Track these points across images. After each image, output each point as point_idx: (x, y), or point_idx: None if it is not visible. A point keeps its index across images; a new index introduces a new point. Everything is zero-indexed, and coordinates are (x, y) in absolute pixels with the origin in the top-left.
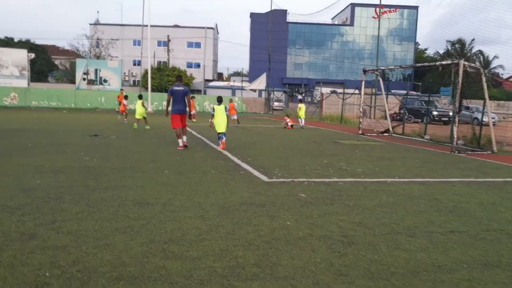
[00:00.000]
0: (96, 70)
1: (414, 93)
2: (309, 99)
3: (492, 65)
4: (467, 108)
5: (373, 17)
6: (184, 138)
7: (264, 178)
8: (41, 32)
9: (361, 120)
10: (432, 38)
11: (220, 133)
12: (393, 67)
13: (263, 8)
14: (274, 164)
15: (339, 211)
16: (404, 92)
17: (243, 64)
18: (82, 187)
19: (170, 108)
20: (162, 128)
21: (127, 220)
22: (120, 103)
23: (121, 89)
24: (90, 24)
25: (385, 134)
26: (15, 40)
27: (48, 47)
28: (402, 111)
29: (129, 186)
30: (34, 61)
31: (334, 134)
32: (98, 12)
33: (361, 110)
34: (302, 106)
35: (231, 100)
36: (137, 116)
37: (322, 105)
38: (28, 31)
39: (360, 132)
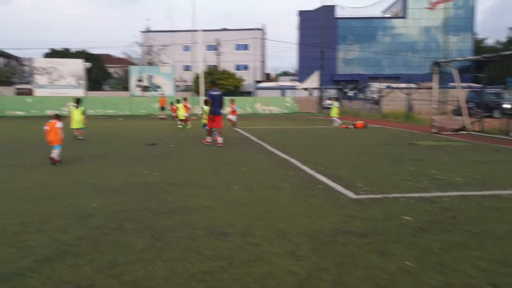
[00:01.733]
0: (149, 76)
1: (476, 85)
2: (362, 96)
3: None
4: None
5: (427, 8)
6: (220, 139)
7: (350, 194)
8: (94, 42)
9: (434, 117)
10: (489, 27)
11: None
12: (471, 57)
13: (311, 6)
14: (354, 174)
15: (467, 243)
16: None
17: (291, 64)
18: (145, 211)
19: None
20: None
21: (203, 260)
22: (162, 108)
23: (162, 94)
24: (141, 31)
25: (461, 132)
26: (72, 51)
27: (102, 56)
28: (470, 105)
29: (196, 207)
30: (90, 70)
31: (404, 134)
32: (148, 20)
33: (434, 106)
34: (336, 105)
35: (232, 101)
36: (181, 117)
37: (380, 101)
38: (82, 41)
39: (433, 130)
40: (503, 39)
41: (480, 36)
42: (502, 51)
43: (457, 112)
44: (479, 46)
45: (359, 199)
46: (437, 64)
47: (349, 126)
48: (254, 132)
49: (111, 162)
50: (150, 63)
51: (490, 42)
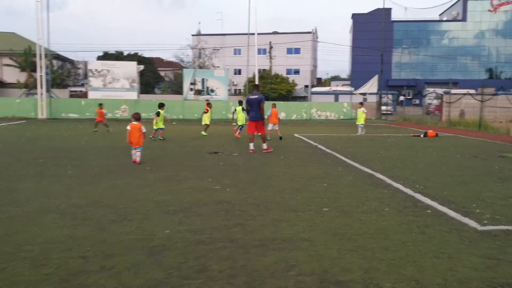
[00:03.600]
0: (202, 80)
1: None
2: (418, 102)
3: None
4: None
5: (489, 10)
6: (264, 145)
7: (472, 223)
8: (146, 45)
9: None
10: None
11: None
12: None
13: (363, 9)
14: (460, 195)
15: None
16: None
17: (341, 68)
18: (229, 242)
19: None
20: (281, 141)
21: None
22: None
23: (207, 100)
24: (193, 35)
25: None
26: (125, 54)
27: (154, 60)
28: None
29: (290, 239)
30: (142, 73)
31: (486, 145)
32: (199, 23)
33: None
34: (363, 110)
35: (274, 105)
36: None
37: (441, 109)
38: (134, 45)
39: None
40: None
41: None
42: None
43: None
44: None
45: (488, 232)
46: None
47: (420, 135)
48: (319, 140)
49: (173, 173)
50: (201, 67)
51: None
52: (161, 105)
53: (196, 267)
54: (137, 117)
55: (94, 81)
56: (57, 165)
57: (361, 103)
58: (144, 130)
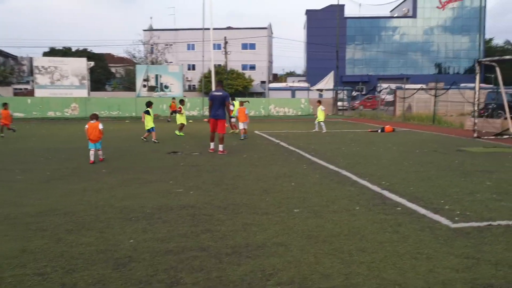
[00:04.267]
0: (156, 76)
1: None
2: (371, 97)
3: None
4: None
5: (437, 7)
6: (220, 147)
7: (444, 221)
8: (96, 41)
9: (475, 121)
10: (494, 28)
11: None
12: None
13: (317, 5)
14: (427, 192)
15: None
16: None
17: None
18: (199, 251)
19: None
20: (243, 139)
21: None
22: (172, 112)
23: (173, 98)
24: (144, 30)
25: (504, 136)
26: (73, 50)
27: (104, 56)
28: (491, 106)
29: (265, 245)
30: (93, 70)
31: (443, 139)
32: (151, 18)
33: (476, 108)
34: (321, 108)
35: (241, 103)
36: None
37: (395, 104)
38: (83, 40)
39: (475, 135)
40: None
41: (486, 36)
42: None
43: (482, 113)
44: (487, 47)
45: (461, 229)
46: (479, 62)
47: (378, 130)
48: (281, 137)
49: (134, 176)
50: (154, 63)
51: (498, 42)
52: (149, 104)
53: (167, 280)
54: (94, 116)
55: (41, 79)
56: (2, 169)
57: (319, 101)
58: (101, 127)
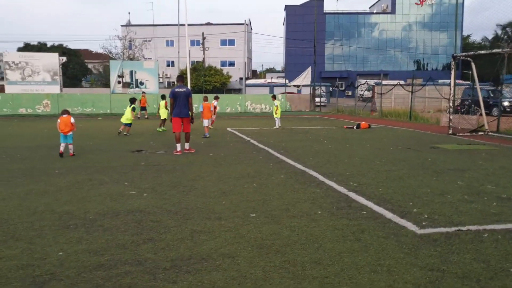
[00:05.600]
0: (131, 72)
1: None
2: (350, 93)
3: None
4: None
5: (415, 3)
6: (186, 145)
7: (410, 226)
8: (73, 36)
9: (450, 117)
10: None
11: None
12: (496, 50)
13: (298, 0)
14: (396, 193)
15: None
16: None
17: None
18: (133, 265)
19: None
20: (211, 137)
21: None
22: (143, 108)
23: (143, 93)
24: (122, 25)
25: (479, 133)
26: (48, 45)
27: (81, 52)
28: (467, 102)
29: (210, 257)
30: (67, 65)
31: (418, 135)
32: (129, 13)
33: (451, 105)
34: (277, 104)
35: (205, 98)
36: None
37: (375, 99)
38: (59, 35)
39: (450, 131)
40: (489, 35)
41: (464, 33)
42: (489, 48)
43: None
44: (465, 43)
45: (427, 235)
46: (454, 57)
47: (353, 127)
48: (252, 134)
49: (87, 177)
50: (131, 58)
51: (475, 38)
52: (133, 100)
53: None
54: (66, 111)
55: (11, 74)
56: None
57: (274, 96)
58: (73, 120)
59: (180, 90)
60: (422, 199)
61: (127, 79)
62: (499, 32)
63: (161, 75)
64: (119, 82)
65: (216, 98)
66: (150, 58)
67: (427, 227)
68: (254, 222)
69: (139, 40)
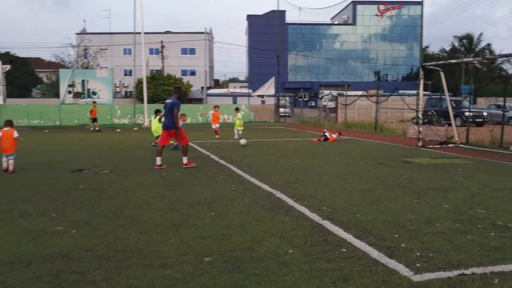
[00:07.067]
0: (83, 81)
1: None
2: (313, 104)
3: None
4: (499, 106)
5: (376, 14)
6: (185, 159)
7: (402, 269)
8: (23, 44)
9: (420, 129)
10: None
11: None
12: (467, 59)
13: (259, 10)
14: (377, 221)
15: None
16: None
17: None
18: None
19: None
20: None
21: None
22: (93, 120)
23: (94, 102)
24: (77, 33)
25: (449, 145)
26: None
27: (32, 60)
28: (430, 113)
29: None
30: (12, 74)
31: (387, 148)
32: (84, 21)
33: (420, 116)
34: (239, 116)
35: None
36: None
37: (338, 110)
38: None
39: (420, 144)
40: (446, 47)
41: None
42: (447, 59)
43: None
44: (424, 54)
45: (426, 285)
46: (423, 67)
47: (321, 139)
48: (213, 148)
49: (7, 206)
50: (86, 67)
51: (433, 50)
52: (157, 112)
53: None
54: (9, 123)
55: None
56: None
57: (237, 109)
58: (16, 135)
59: (168, 101)
60: (407, 228)
61: (78, 88)
62: (456, 43)
63: (118, 84)
64: (69, 92)
65: (216, 107)
66: (106, 67)
67: (423, 271)
68: (208, 270)
69: (94, 48)
